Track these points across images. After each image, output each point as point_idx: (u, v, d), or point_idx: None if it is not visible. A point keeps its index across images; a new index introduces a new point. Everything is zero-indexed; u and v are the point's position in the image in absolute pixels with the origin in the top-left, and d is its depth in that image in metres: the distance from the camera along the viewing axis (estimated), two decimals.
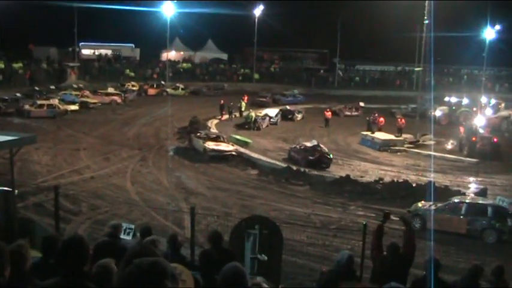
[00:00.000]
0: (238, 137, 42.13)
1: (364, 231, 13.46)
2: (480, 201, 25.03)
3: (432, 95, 58.42)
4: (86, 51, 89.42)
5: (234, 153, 36.93)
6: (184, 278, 3.17)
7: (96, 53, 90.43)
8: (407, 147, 44.17)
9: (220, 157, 36.13)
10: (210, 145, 36.94)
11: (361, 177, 33.09)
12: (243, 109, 55.89)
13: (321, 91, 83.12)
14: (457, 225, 23.37)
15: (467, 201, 24.87)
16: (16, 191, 17.26)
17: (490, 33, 68.21)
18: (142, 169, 32.88)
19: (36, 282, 5.03)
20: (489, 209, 23.62)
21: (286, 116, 56.36)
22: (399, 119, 49.91)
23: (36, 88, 60.77)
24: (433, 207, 24.48)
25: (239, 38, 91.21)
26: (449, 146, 44.44)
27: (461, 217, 23.64)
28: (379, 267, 9.63)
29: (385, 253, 9.89)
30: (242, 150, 38.52)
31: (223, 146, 37.36)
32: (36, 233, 13.28)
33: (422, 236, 20.72)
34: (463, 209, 23.93)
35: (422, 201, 25.79)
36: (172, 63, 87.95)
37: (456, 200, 25.17)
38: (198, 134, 39.52)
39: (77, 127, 45.05)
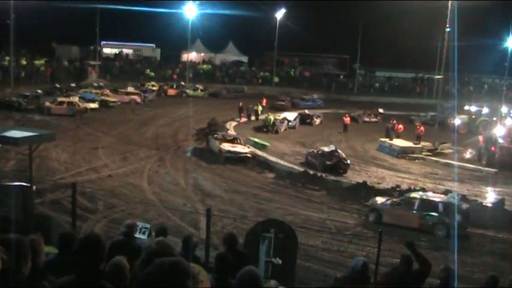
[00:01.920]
0: (256, 139, 42.18)
1: (380, 238, 13.40)
2: (432, 198, 25.92)
3: (456, 103, 58.15)
4: (107, 50, 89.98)
5: (249, 155, 36.97)
6: (202, 278, 3.19)
7: (117, 52, 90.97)
8: (426, 155, 43.92)
9: (235, 159, 36.21)
10: (226, 146, 37.04)
11: (378, 183, 32.94)
12: (259, 112, 55.90)
13: (340, 96, 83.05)
14: (411, 220, 24.60)
15: (419, 197, 25.85)
16: (34, 187, 17.41)
17: None
18: (160, 169, 32.99)
19: (52, 279, 5.06)
20: (440, 205, 24.73)
21: (304, 120, 56.33)
22: (418, 127, 49.71)
23: (57, 85, 61.23)
24: (388, 202, 25.87)
25: (260, 42, 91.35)
26: (467, 155, 44.13)
27: (414, 212, 24.80)
28: (394, 273, 9.58)
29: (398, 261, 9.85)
30: (259, 153, 38.52)
31: (239, 148, 37.42)
32: (53, 229, 13.37)
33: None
34: (416, 204, 25.02)
35: (380, 196, 27.23)
36: (193, 64, 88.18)
37: (410, 196, 26.25)
38: (215, 136, 39.66)
39: (96, 126, 45.31)
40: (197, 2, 74.72)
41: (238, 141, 38.83)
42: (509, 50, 68.15)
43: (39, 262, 5.18)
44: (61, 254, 6.30)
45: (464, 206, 25.33)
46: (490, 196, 32.52)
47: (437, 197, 26.27)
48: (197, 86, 74.60)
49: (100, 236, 4.81)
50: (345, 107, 67.27)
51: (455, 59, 43.92)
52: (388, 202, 25.97)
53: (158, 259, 3.19)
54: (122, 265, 4.88)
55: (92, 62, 77.20)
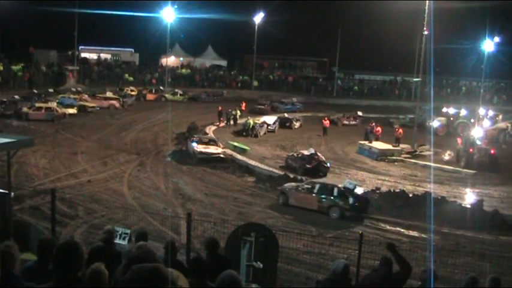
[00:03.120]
0: (236, 143, 42.17)
1: (361, 240, 13.42)
2: (329, 183, 28.88)
3: (432, 105, 58.55)
4: (85, 55, 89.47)
5: (221, 155, 37.36)
6: (181, 283, 3.16)
7: (96, 57, 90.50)
8: (405, 157, 44.12)
9: (208, 160, 36.54)
10: (199, 148, 37.34)
11: None
12: (237, 117, 55.68)
13: (319, 100, 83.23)
14: (311, 202, 27.63)
15: (319, 181, 29.23)
16: (12, 193, 17.24)
17: (489, 45, 68.32)
18: (140, 174, 32.89)
19: (30, 285, 5.01)
20: (335, 189, 27.44)
21: (284, 123, 56.38)
22: (397, 129, 49.93)
23: (35, 91, 60.73)
24: (294, 187, 29.07)
25: (239, 45, 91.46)
26: (446, 157, 44.37)
27: (314, 195, 27.68)
28: (374, 275, 9.59)
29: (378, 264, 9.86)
30: (239, 157, 38.53)
31: (212, 149, 37.73)
32: (32, 235, 13.26)
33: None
34: (316, 188, 28.00)
35: (292, 183, 30.59)
36: (172, 68, 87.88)
37: (313, 181, 29.59)
38: (192, 138, 39.89)
39: (75, 131, 45.07)
40: (175, 6, 74.45)
41: (213, 143, 39.05)
42: (486, 52, 68.71)
43: (14, 269, 5.12)
44: (40, 261, 6.24)
45: (361, 191, 27.92)
46: (469, 197, 32.75)
47: (335, 183, 28.81)
48: (176, 90, 74.44)
49: (77, 243, 4.75)
50: (324, 110, 67.43)
51: (431, 62, 44.38)
52: (295, 186, 29.16)
53: (136, 266, 3.16)
54: (101, 272, 4.83)
55: (70, 67, 76.70)
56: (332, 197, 27.16)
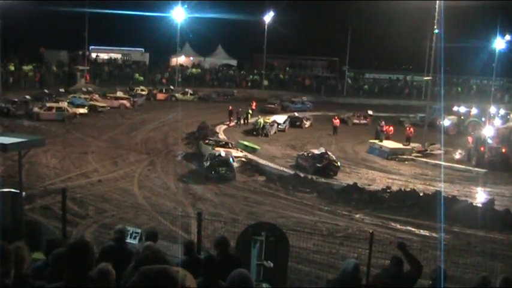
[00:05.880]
0: (246, 143, 42.13)
1: (371, 239, 13.39)
2: (211, 152, 35.72)
3: (442, 104, 58.32)
4: (96, 55, 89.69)
5: (243, 159, 36.96)
6: (188, 284, 3.13)
7: (106, 57, 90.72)
8: (415, 156, 44.00)
9: None
10: (220, 151, 36.92)
11: (369, 185, 32.96)
12: (249, 116, 55.71)
13: (329, 99, 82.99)
14: (203, 166, 34.50)
15: (210, 152, 35.97)
16: (24, 193, 17.30)
17: (499, 43, 68.02)
18: (150, 174, 32.94)
19: (41, 284, 5.02)
20: (207, 155, 34.78)
21: (294, 123, 56.30)
22: (408, 128, 49.75)
23: (46, 91, 60.82)
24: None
25: (249, 45, 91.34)
26: (457, 155, 44.22)
27: (205, 162, 34.38)
28: (384, 275, 9.55)
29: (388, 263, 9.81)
30: (250, 156, 38.48)
31: (233, 152, 37.24)
32: (43, 235, 13.30)
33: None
34: (207, 156, 34.91)
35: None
36: (182, 68, 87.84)
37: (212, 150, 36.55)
38: (207, 141, 39.70)
39: (86, 130, 45.16)
40: (185, 6, 74.43)
41: (230, 146, 38.88)
42: (497, 51, 68.42)
43: (24, 269, 5.14)
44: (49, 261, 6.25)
45: (226, 157, 34.03)
46: (480, 196, 32.60)
47: (212, 152, 35.46)
48: (186, 90, 74.35)
49: (88, 242, 4.76)
50: (334, 109, 67.22)
51: (442, 61, 44.17)
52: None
53: (144, 267, 3.13)
54: (108, 272, 4.83)
55: (81, 67, 76.85)
56: (208, 162, 33.79)
